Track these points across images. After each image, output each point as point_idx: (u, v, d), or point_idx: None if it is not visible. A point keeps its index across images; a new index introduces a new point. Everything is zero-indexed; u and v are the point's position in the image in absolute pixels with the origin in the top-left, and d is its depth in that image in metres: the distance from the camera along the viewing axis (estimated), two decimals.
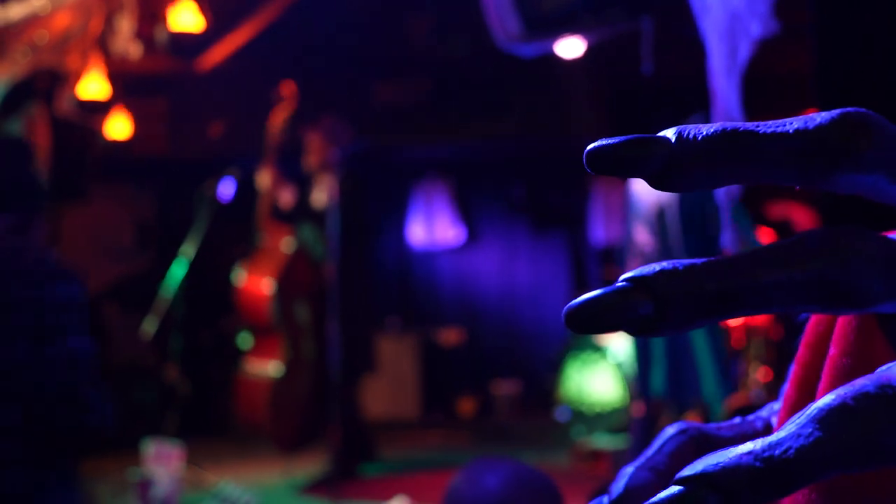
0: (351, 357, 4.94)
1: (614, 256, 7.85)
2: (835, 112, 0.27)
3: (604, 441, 5.67)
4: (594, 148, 0.28)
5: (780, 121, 0.27)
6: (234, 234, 6.68)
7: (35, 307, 1.97)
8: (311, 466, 5.41)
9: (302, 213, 5.39)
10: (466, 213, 8.07)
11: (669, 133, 0.28)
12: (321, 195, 5.36)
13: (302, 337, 5.40)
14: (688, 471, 0.25)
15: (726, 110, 0.94)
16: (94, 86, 5.85)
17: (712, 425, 0.43)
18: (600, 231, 7.74)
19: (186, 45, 4.87)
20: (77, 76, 5.82)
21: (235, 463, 5.90)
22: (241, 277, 5.52)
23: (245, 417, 5.51)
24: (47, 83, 6.36)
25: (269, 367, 5.43)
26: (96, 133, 6.75)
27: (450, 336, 7.79)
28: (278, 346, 5.40)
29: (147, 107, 7.01)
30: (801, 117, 0.27)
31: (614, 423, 6.02)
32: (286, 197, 5.50)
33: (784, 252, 0.26)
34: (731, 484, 0.24)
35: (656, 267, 0.26)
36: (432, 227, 7.99)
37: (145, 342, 6.07)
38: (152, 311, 5.71)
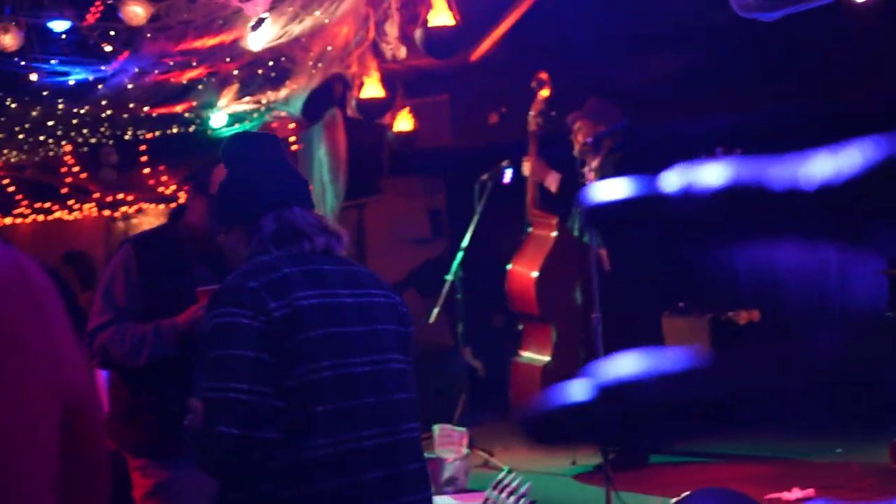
0: (622, 343, 4.82)
1: None
2: (868, 160, 0.20)
3: None
4: (595, 204, 0.24)
5: (801, 165, 0.21)
6: (509, 221, 6.79)
7: None
8: (597, 454, 5.33)
9: (570, 197, 5.36)
10: None
11: (673, 184, 0.23)
12: (591, 177, 5.29)
13: (570, 324, 5.35)
14: None
15: None
16: (375, 88, 6.23)
17: None
18: None
19: (443, 41, 5.01)
20: (360, 80, 6.22)
21: (521, 446, 6.00)
22: (512, 267, 5.60)
23: (518, 403, 5.59)
24: (340, 90, 6.86)
25: (540, 354, 5.46)
26: (386, 131, 7.18)
27: (745, 314, 7.34)
28: (547, 334, 5.41)
29: (429, 101, 7.32)
30: (826, 157, 0.20)
31: None
32: (552, 183, 5.49)
33: None
34: None
35: None
36: None
37: (441, 325, 6.36)
38: (441, 295, 5.96)
